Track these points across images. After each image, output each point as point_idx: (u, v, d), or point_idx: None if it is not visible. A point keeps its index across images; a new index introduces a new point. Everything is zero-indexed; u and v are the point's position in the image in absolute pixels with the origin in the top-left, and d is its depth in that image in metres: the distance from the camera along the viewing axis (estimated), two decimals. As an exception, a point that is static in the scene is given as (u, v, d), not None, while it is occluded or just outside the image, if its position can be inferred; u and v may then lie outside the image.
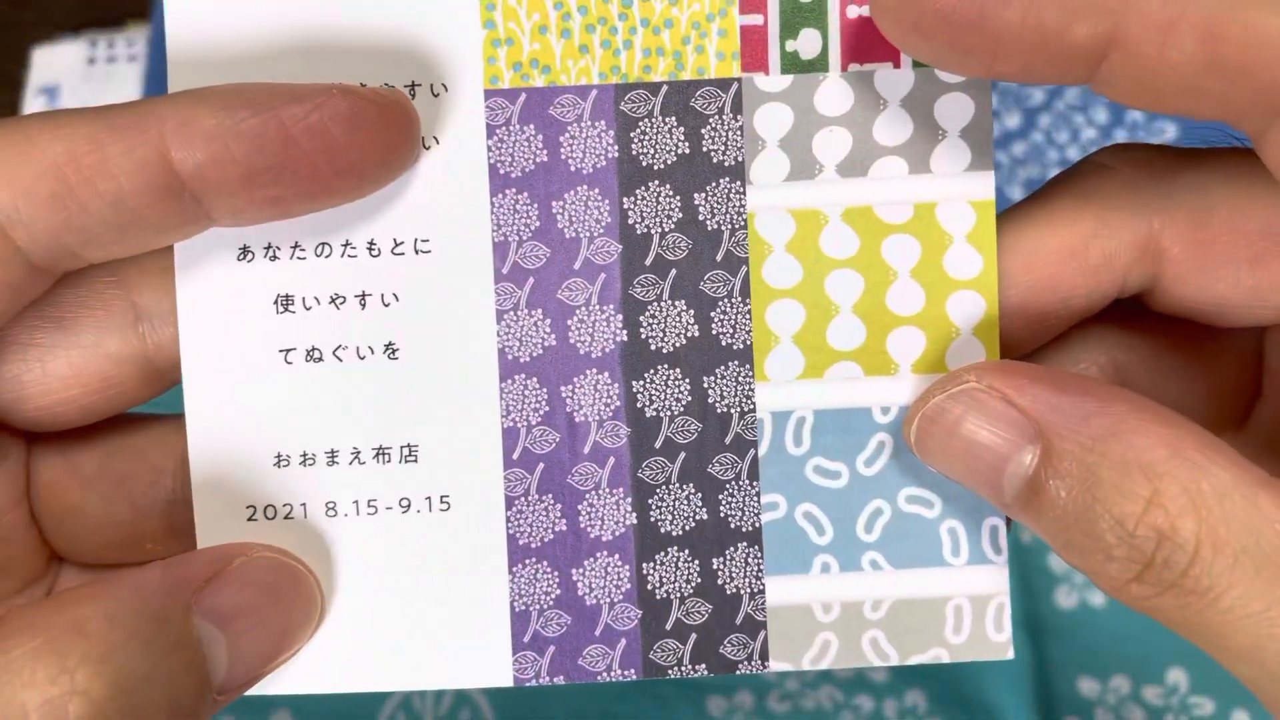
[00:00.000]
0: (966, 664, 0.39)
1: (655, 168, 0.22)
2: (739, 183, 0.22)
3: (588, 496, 0.22)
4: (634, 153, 0.22)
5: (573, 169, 0.22)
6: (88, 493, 0.23)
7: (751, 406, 0.22)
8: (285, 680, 0.22)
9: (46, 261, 0.20)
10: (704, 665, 0.23)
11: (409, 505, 0.22)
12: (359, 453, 0.22)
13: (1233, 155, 0.21)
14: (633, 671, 0.22)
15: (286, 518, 0.22)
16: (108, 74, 0.50)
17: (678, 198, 0.22)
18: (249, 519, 0.22)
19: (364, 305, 0.22)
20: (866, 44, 0.22)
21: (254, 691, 0.21)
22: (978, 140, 0.22)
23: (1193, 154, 0.22)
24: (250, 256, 0.22)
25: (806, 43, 0.22)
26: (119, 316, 0.22)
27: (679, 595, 0.22)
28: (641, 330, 0.22)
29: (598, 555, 0.22)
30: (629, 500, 0.22)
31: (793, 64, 0.22)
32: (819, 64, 0.22)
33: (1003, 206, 0.22)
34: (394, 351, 0.22)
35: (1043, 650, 0.41)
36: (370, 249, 0.22)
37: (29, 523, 0.23)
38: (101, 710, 0.17)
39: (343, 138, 0.20)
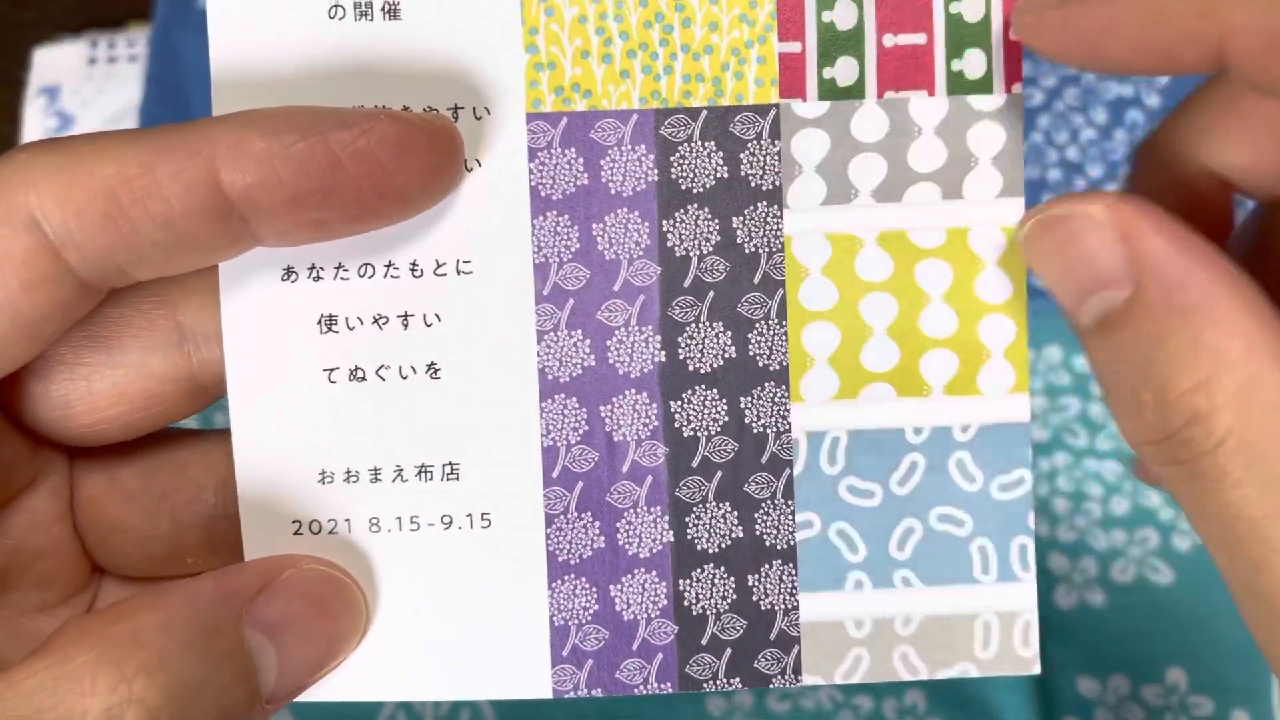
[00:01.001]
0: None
1: (694, 191, 0.22)
2: (776, 206, 0.22)
3: (626, 514, 0.23)
4: (673, 176, 0.22)
5: (613, 192, 0.22)
6: (130, 507, 0.23)
7: (787, 427, 0.23)
8: (331, 688, 0.22)
9: (96, 280, 0.20)
10: (739, 679, 0.23)
11: (450, 522, 0.22)
12: (401, 470, 0.22)
13: None
14: (669, 685, 0.23)
15: (331, 533, 0.22)
16: (108, 74, 0.50)
17: (716, 221, 0.22)
18: (294, 533, 0.22)
19: (406, 325, 0.22)
20: (901, 72, 0.22)
21: (301, 699, 0.21)
22: (1009, 167, 0.23)
23: None
24: (294, 277, 0.22)
25: (844, 70, 0.22)
26: (163, 336, 0.22)
27: (715, 611, 0.23)
28: (680, 351, 0.23)
29: (635, 572, 0.23)
30: (666, 518, 0.23)
31: (830, 90, 0.22)
32: (855, 91, 0.22)
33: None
34: (436, 371, 0.22)
35: (1042, 650, 0.41)
36: (413, 270, 0.22)
37: (72, 536, 0.23)
38: (156, 718, 0.18)
39: (389, 163, 0.20)
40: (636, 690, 0.23)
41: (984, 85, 0.22)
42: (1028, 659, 0.23)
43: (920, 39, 0.22)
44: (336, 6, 0.22)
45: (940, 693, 0.41)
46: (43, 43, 0.50)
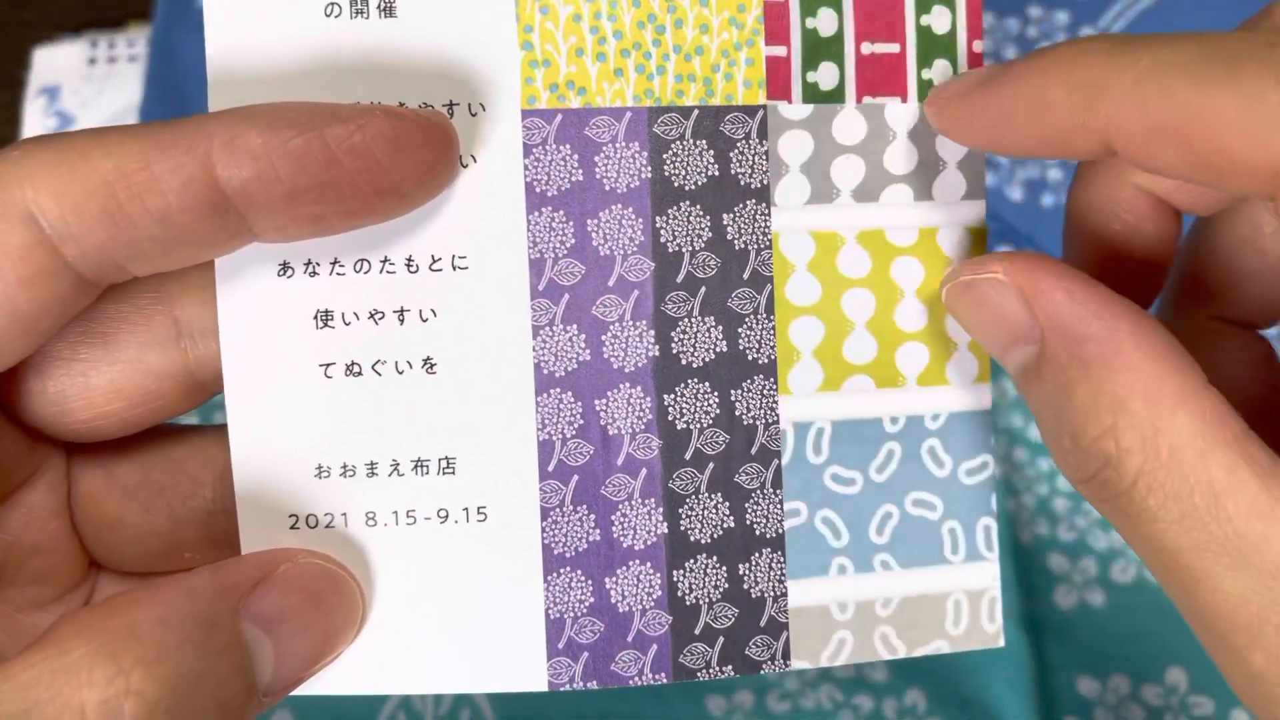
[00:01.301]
0: (966, 663, 0.41)
1: (686, 188, 0.23)
2: (765, 204, 0.23)
3: (620, 507, 0.23)
4: (666, 174, 0.23)
5: (607, 188, 0.23)
6: (127, 503, 0.23)
7: (775, 418, 0.24)
8: (327, 682, 0.22)
9: (94, 275, 0.20)
10: (730, 667, 0.24)
11: (447, 516, 0.22)
12: (398, 465, 0.22)
13: None
14: (664, 675, 0.23)
15: (328, 527, 0.22)
16: (108, 74, 0.49)
17: (708, 218, 0.23)
18: (291, 527, 0.22)
19: (402, 321, 0.22)
20: (878, 78, 0.23)
21: (297, 693, 0.21)
22: (972, 171, 0.24)
23: None
24: (290, 272, 0.22)
25: (825, 75, 0.23)
26: (160, 332, 0.22)
27: (707, 600, 0.23)
28: (673, 345, 0.23)
29: (630, 564, 0.23)
30: (660, 510, 0.23)
31: (813, 94, 0.23)
32: (836, 95, 0.23)
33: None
34: (432, 366, 0.22)
35: (1042, 650, 0.42)
36: (409, 265, 0.22)
37: (69, 532, 0.23)
38: (154, 710, 0.18)
39: (385, 158, 0.20)
40: (631, 681, 0.23)
41: None
42: (992, 634, 0.24)
43: (894, 48, 0.24)
44: (333, 4, 0.22)
45: (940, 693, 0.41)
46: (43, 43, 0.50)
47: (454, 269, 0.22)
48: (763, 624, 0.24)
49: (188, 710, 0.18)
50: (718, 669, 0.24)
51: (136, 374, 0.22)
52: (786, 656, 0.24)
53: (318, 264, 0.22)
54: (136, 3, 0.51)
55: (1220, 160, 0.18)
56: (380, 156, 0.20)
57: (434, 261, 0.22)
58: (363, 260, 0.22)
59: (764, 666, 0.24)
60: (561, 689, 0.23)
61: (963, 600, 0.24)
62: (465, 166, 0.22)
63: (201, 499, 0.23)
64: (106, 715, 0.17)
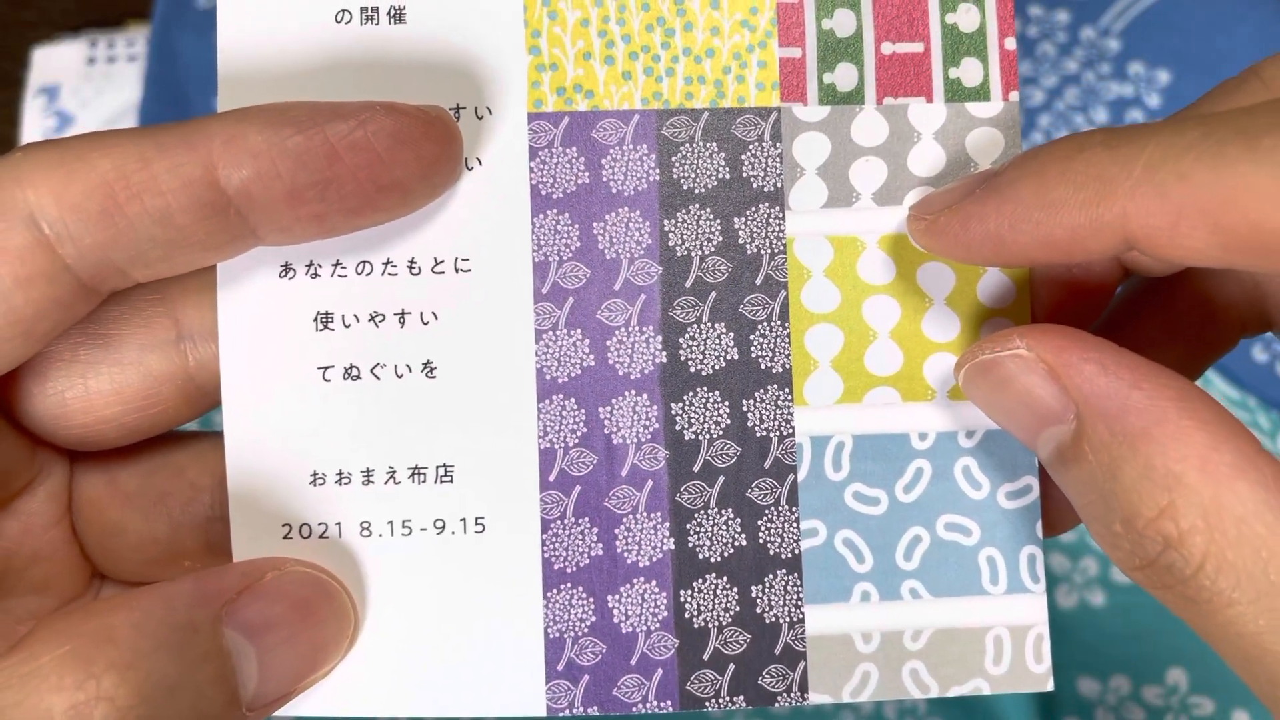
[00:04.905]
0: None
1: (696, 191, 0.22)
2: (778, 208, 0.22)
3: (625, 520, 0.22)
4: (675, 176, 0.22)
5: (614, 191, 0.22)
6: (128, 510, 0.23)
7: (790, 430, 0.22)
8: (315, 701, 0.21)
9: (94, 279, 0.20)
10: (742, 697, 0.22)
11: (444, 526, 0.22)
12: (394, 472, 0.22)
13: None
14: (669, 703, 0.22)
15: (321, 537, 0.21)
16: (108, 74, 0.50)
17: (718, 221, 0.22)
18: (284, 537, 0.21)
19: (403, 323, 0.22)
20: (900, 79, 0.23)
21: (284, 712, 0.20)
22: None
23: None
24: (291, 273, 0.22)
25: (843, 76, 0.23)
26: (161, 334, 0.22)
27: (717, 624, 0.22)
28: (681, 352, 0.22)
29: (634, 581, 0.22)
30: (667, 525, 0.22)
31: (830, 96, 0.23)
32: (855, 96, 0.23)
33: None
34: (432, 370, 0.22)
35: None
36: (411, 267, 0.22)
37: (69, 539, 0.23)
38: (127, 717, 0.17)
39: (386, 153, 0.20)
40: (635, 708, 0.22)
41: (981, 93, 0.23)
42: (1040, 675, 0.22)
43: (918, 47, 0.23)
44: (343, 11, 0.22)
45: None
46: (42, 43, 0.51)
47: (457, 271, 0.22)
48: (778, 652, 0.22)
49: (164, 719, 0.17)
50: (728, 699, 0.22)
51: (137, 377, 0.22)
52: (805, 689, 0.22)
53: (319, 265, 0.22)
54: (136, 2, 0.51)
55: (1258, 238, 0.16)
56: (382, 152, 0.20)
57: (436, 263, 0.22)
58: (365, 262, 0.22)
59: (779, 699, 0.22)
60: (561, 714, 0.22)
61: (1005, 636, 0.22)
62: (471, 169, 0.22)
63: (200, 505, 0.23)
64: None
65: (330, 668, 0.21)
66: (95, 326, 0.22)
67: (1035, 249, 0.19)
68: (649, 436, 0.22)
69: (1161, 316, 0.24)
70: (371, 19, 0.22)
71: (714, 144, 0.22)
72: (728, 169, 0.22)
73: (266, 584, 0.20)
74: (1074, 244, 0.18)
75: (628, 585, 0.22)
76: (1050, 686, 0.22)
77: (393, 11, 0.22)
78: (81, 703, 0.17)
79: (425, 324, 0.22)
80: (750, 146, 0.22)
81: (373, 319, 0.22)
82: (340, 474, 0.22)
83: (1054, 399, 0.19)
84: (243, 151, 0.19)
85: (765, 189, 0.22)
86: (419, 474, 0.22)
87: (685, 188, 0.22)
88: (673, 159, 0.22)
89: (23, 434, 0.22)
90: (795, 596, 0.22)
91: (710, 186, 0.22)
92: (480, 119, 0.22)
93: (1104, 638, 0.41)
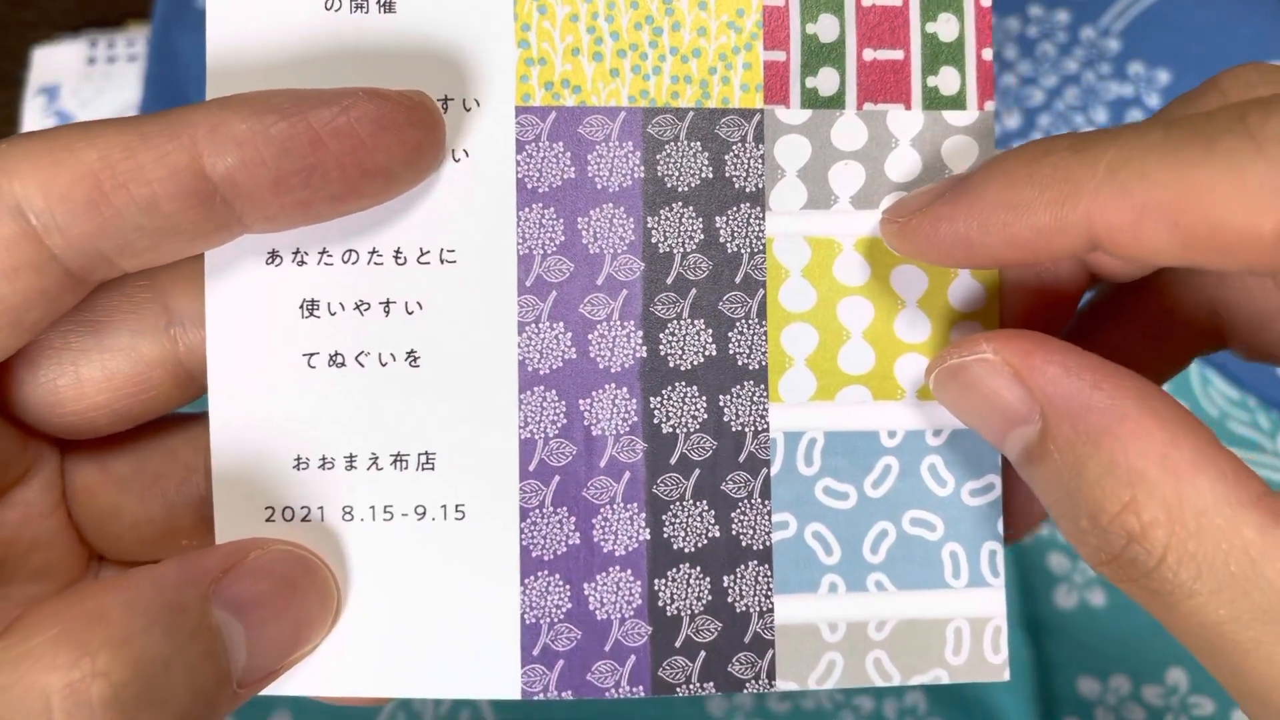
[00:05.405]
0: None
1: (679, 190, 0.23)
2: (759, 208, 0.23)
3: (602, 510, 0.23)
4: (659, 174, 0.23)
5: (599, 187, 0.23)
6: (123, 493, 0.23)
7: (765, 426, 0.23)
8: (299, 681, 0.22)
9: (81, 269, 0.20)
10: (712, 684, 0.23)
11: (424, 513, 0.22)
12: (377, 458, 0.22)
13: None
14: (641, 689, 0.22)
15: (304, 520, 0.22)
16: (108, 74, 0.50)
17: (700, 220, 0.23)
18: (267, 519, 0.22)
19: (388, 313, 0.22)
20: (880, 85, 0.23)
21: (269, 691, 0.21)
22: None
23: None
24: (278, 261, 0.22)
25: (825, 80, 0.23)
26: (151, 320, 0.22)
27: (689, 612, 0.23)
28: (661, 347, 0.23)
29: (610, 570, 0.23)
30: (643, 515, 0.23)
31: (812, 99, 0.23)
32: (836, 101, 0.23)
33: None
34: (415, 359, 0.22)
35: (1042, 650, 0.42)
36: (397, 257, 0.22)
37: (66, 525, 0.23)
38: (122, 693, 0.17)
39: (370, 139, 0.20)
40: (608, 693, 0.22)
41: (958, 101, 0.23)
42: (997, 665, 0.23)
43: (898, 55, 0.23)
44: None
45: (941, 693, 0.41)
46: (42, 42, 0.50)
47: (442, 262, 0.22)
48: (747, 640, 0.23)
49: (158, 696, 0.18)
50: (698, 685, 0.23)
51: (127, 363, 0.22)
52: (772, 676, 0.23)
53: (306, 253, 0.22)
54: (136, 2, 0.51)
55: (1216, 236, 0.17)
56: (365, 137, 0.20)
57: (422, 254, 0.22)
58: (351, 250, 0.22)
59: (748, 685, 0.23)
60: (535, 698, 0.22)
61: (964, 628, 0.23)
62: (457, 161, 0.22)
63: (194, 485, 0.23)
64: (72, 699, 0.17)
65: (315, 644, 0.22)
66: (85, 313, 0.22)
67: (1003, 249, 0.20)
68: (628, 429, 0.23)
69: (1125, 325, 0.25)
70: (361, 7, 0.22)
71: (698, 143, 0.23)
72: (710, 168, 0.23)
73: (251, 562, 0.20)
74: (1040, 244, 0.19)
75: (604, 574, 0.22)
76: (1007, 676, 0.23)
77: (382, 0, 0.22)
78: (77, 680, 0.17)
79: (410, 314, 0.22)
80: (733, 147, 0.23)
81: (358, 307, 0.22)
82: (324, 459, 0.22)
83: (1020, 401, 0.20)
84: (227, 139, 0.19)
85: (747, 189, 0.23)
86: (401, 461, 0.22)
87: (669, 186, 0.23)
88: (657, 157, 0.23)
89: (16, 424, 0.22)
90: (765, 587, 0.23)
91: (693, 185, 0.23)
92: (468, 111, 0.22)
93: (1104, 638, 0.42)
